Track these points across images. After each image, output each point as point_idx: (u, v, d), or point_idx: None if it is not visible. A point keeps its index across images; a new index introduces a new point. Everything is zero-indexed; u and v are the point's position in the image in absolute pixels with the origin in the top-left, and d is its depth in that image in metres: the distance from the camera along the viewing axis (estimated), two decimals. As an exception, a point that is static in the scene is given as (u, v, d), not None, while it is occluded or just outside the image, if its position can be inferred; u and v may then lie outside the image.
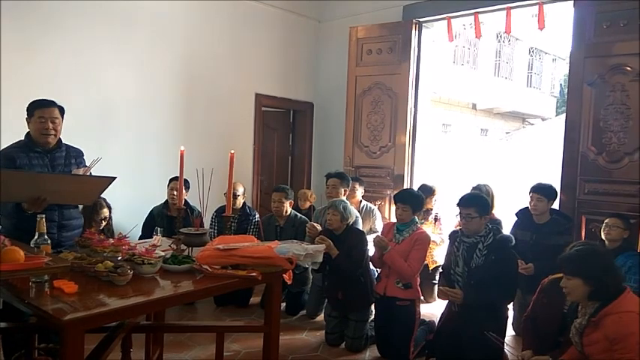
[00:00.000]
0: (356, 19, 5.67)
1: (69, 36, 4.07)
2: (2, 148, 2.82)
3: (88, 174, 2.81)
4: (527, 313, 2.83)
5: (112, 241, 2.38)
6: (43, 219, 2.09)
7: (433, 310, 4.31)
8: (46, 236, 2.07)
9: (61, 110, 2.84)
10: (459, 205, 3.12)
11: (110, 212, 3.93)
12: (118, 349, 2.39)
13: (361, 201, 4.69)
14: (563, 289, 2.30)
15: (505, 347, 2.98)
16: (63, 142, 2.90)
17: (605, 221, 3.55)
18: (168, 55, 4.79)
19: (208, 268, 2.19)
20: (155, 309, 2.63)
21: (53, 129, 2.78)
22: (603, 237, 3.51)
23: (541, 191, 3.77)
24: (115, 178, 2.55)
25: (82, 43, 4.15)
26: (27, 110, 2.79)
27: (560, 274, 2.69)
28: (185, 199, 4.00)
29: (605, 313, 2.17)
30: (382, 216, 4.91)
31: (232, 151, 2.59)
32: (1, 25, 3.65)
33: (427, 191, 4.54)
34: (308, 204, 5.01)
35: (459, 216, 3.15)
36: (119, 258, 2.19)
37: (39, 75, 3.88)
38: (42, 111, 2.75)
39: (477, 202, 3.08)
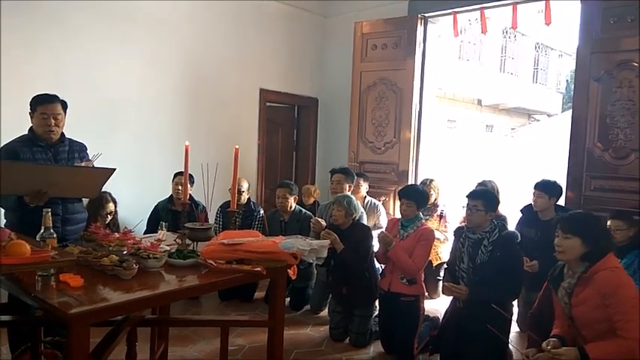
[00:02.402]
0: (361, 14, 5.65)
1: (72, 33, 4.07)
2: (5, 142, 2.82)
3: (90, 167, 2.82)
4: (532, 310, 2.82)
5: (117, 235, 2.39)
6: (49, 213, 2.08)
7: (437, 306, 4.31)
8: (52, 230, 2.08)
9: (64, 105, 2.84)
10: (467, 196, 3.13)
11: (116, 207, 3.95)
12: (123, 342, 2.40)
13: (365, 197, 4.69)
14: (556, 247, 2.33)
15: (509, 344, 2.97)
16: (66, 136, 2.91)
17: (607, 224, 3.49)
18: (172, 51, 4.78)
19: (213, 263, 2.19)
20: (160, 303, 2.64)
21: (55, 125, 2.78)
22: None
23: (542, 187, 3.76)
24: (114, 169, 2.55)
25: (85, 39, 4.14)
26: (30, 105, 2.79)
27: None
28: (190, 194, 4.02)
29: (596, 270, 2.22)
30: (387, 212, 4.90)
31: (237, 146, 2.58)
32: (4, 22, 3.65)
33: (424, 184, 4.61)
34: (312, 199, 5.02)
35: (465, 207, 3.15)
36: (124, 252, 2.19)
37: (42, 71, 3.88)
38: (44, 107, 2.75)
39: (485, 197, 3.09)
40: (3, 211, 2.82)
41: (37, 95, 2.80)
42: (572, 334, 2.37)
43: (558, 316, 2.47)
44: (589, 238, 2.25)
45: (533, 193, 3.81)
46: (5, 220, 2.80)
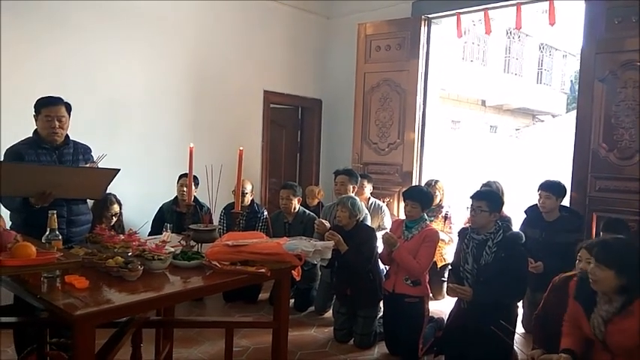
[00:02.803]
0: (364, 15, 5.65)
1: (75, 33, 4.08)
2: (12, 144, 2.83)
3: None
4: (537, 311, 2.81)
5: (122, 237, 2.40)
6: (55, 215, 2.10)
7: (442, 307, 4.30)
8: (57, 232, 2.08)
9: (68, 107, 2.85)
10: (471, 197, 3.13)
11: (120, 208, 3.96)
12: (128, 344, 2.41)
13: (369, 198, 4.69)
14: (590, 275, 2.21)
15: (514, 345, 2.96)
16: (70, 138, 2.92)
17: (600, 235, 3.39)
18: (176, 52, 4.80)
19: (217, 264, 2.19)
20: (165, 304, 2.65)
21: (60, 127, 2.79)
22: None
23: (549, 188, 3.75)
24: (118, 170, 2.56)
25: (89, 39, 4.16)
26: (34, 107, 2.80)
27: (572, 273, 2.67)
28: (194, 196, 4.02)
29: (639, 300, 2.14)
30: (391, 213, 4.90)
31: (241, 148, 2.59)
32: (7, 20, 3.67)
33: (429, 185, 4.61)
34: (316, 201, 5.02)
35: (469, 208, 3.14)
36: (129, 254, 2.20)
37: (45, 71, 3.89)
38: (48, 109, 2.76)
39: (489, 197, 3.09)
40: (9, 213, 2.84)
41: (42, 98, 2.81)
42: (585, 347, 2.31)
43: (568, 320, 2.41)
44: (624, 271, 2.12)
45: (540, 195, 3.79)
46: (11, 222, 2.81)
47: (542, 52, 19.85)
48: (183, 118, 4.92)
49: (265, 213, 4.65)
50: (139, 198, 4.40)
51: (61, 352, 2.58)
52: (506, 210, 4.20)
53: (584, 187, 4.10)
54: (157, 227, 4.11)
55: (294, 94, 5.99)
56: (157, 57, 4.65)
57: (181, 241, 2.54)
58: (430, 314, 3.58)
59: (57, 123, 2.77)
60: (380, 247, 3.66)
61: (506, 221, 3.89)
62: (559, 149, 9.34)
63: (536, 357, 2.49)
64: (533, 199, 3.89)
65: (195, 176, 2.73)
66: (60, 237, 2.10)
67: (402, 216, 3.84)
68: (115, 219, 3.92)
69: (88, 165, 2.85)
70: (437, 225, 4.43)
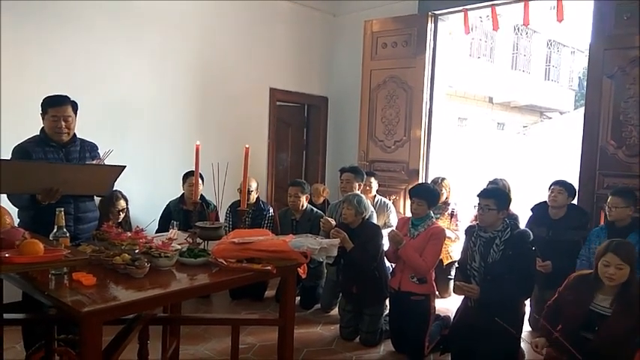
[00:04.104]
0: (371, 12, 5.63)
1: (83, 32, 4.10)
2: (18, 142, 2.85)
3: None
4: (550, 302, 2.79)
5: (129, 234, 2.40)
6: (62, 212, 2.11)
7: (448, 305, 4.29)
8: (64, 229, 2.10)
9: (74, 106, 2.86)
10: (479, 195, 3.11)
11: (127, 204, 3.98)
12: (135, 340, 2.42)
13: (375, 195, 4.68)
14: None
15: (522, 343, 2.95)
16: (77, 136, 2.93)
17: (607, 201, 3.44)
18: (183, 50, 4.81)
19: (224, 262, 2.20)
20: (171, 301, 2.66)
21: (66, 127, 2.80)
22: (609, 219, 3.40)
23: (563, 184, 3.74)
24: (124, 167, 2.57)
25: (96, 39, 4.17)
26: (41, 106, 2.81)
27: (589, 271, 2.65)
28: (201, 194, 4.04)
29: None
30: (397, 211, 4.89)
31: (247, 146, 2.59)
32: (16, 20, 3.70)
33: (435, 182, 4.59)
34: (322, 199, 5.02)
35: (477, 206, 3.13)
36: (136, 251, 2.21)
37: (53, 70, 3.91)
38: (55, 109, 2.77)
39: (496, 195, 3.07)
40: (17, 210, 2.86)
41: (48, 97, 2.82)
42: None
43: None
44: None
45: (552, 190, 3.77)
46: (19, 220, 2.84)
47: (550, 48, 19.71)
48: (190, 116, 4.93)
49: (271, 210, 4.66)
50: (145, 196, 4.42)
51: (68, 349, 2.59)
52: (513, 207, 4.18)
53: (592, 184, 4.07)
54: (163, 225, 4.13)
55: (300, 92, 5.99)
56: (163, 56, 4.66)
57: (188, 239, 2.54)
58: (436, 312, 3.57)
59: (63, 123, 2.79)
60: (386, 244, 3.66)
61: (514, 219, 3.88)
62: (567, 146, 9.28)
63: (540, 345, 2.49)
64: (541, 196, 3.87)
65: (200, 173, 2.73)
66: (67, 234, 2.11)
67: (408, 214, 3.84)
68: (122, 215, 3.94)
69: (94, 162, 2.86)
70: (443, 222, 4.42)
